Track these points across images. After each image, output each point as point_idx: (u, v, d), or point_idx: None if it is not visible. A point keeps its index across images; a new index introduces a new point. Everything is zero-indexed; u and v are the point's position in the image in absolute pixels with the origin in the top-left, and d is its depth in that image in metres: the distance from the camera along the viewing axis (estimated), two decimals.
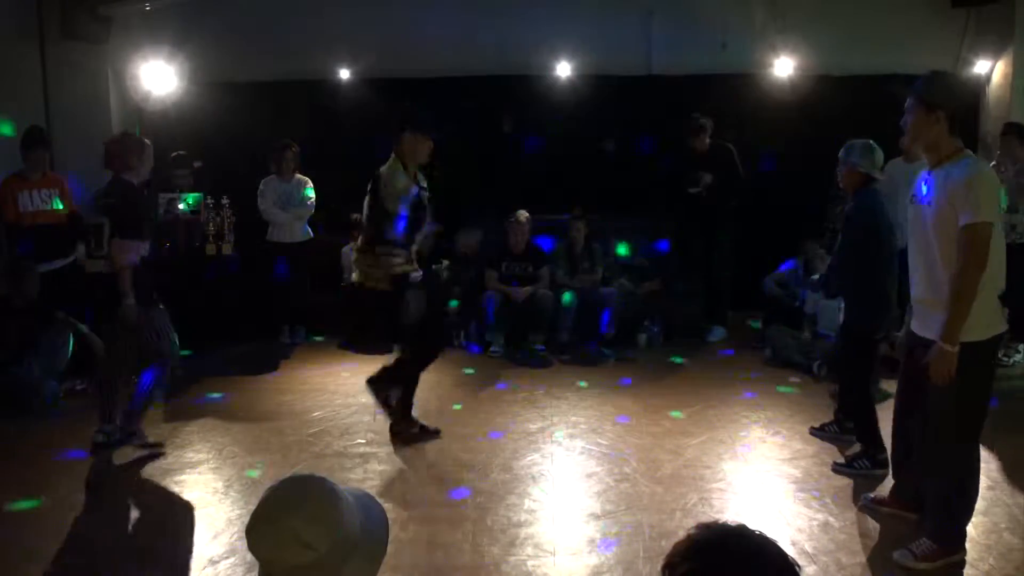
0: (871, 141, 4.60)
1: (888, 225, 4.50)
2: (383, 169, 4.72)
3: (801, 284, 6.76)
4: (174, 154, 7.33)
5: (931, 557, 3.35)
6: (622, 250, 7.48)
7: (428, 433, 4.93)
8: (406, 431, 4.88)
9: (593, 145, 7.98)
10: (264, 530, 1.37)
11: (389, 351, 6.91)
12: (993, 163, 6.16)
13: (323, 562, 1.35)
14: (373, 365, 6.54)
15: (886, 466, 4.21)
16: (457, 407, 5.57)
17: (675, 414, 5.34)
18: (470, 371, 6.45)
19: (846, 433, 4.79)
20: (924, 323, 3.42)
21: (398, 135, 4.76)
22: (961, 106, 3.30)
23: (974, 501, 3.43)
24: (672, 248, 7.61)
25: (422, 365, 4.93)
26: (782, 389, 5.91)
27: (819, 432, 4.92)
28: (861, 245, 4.44)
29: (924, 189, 3.39)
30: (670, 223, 7.61)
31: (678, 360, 6.72)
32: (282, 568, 1.35)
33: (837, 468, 4.43)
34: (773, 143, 7.60)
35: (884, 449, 4.26)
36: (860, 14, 7.61)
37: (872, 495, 3.98)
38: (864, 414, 4.49)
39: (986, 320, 3.25)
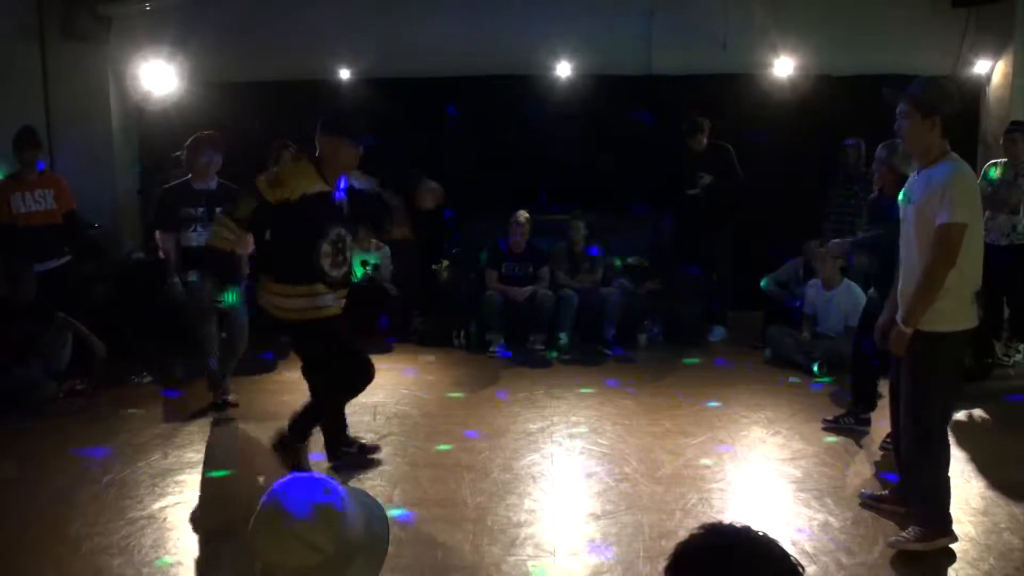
0: None
1: None
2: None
3: (801, 284, 6.76)
4: (175, 154, 7.32)
5: (922, 539, 3.48)
6: (618, 261, 7.49)
7: (368, 450, 4.59)
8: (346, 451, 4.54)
9: (594, 145, 7.97)
10: (268, 533, 1.36)
11: (390, 350, 7.00)
12: (1004, 161, 6.15)
13: (328, 563, 1.34)
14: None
15: (868, 424, 4.90)
16: (457, 407, 5.56)
17: (669, 403, 5.34)
18: (470, 371, 6.45)
19: (861, 424, 4.86)
20: (899, 316, 3.58)
21: (312, 139, 4.11)
22: (955, 111, 3.44)
23: (948, 483, 3.54)
24: (672, 248, 7.61)
25: (337, 400, 4.38)
26: (782, 389, 5.91)
27: (833, 424, 4.98)
28: (892, 236, 4.54)
29: (911, 190, 3.54)
30: (668, 223, 7.62)
31: (688, 362, 6.73)
32: (287, 571, 1.34)
33: (826, 424, 4.98)
34: (773, 143, 7.59)
35: (871, 409, 4.87)
36: (860, 14, 7.61)
37: (870, 492, 4.01)
38: (867, 376, 4.75)
39: (957, 314, 3.42)
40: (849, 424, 4.93)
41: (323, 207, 4.08)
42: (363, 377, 4.36)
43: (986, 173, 6.16)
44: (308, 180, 4.03)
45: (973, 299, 3.45)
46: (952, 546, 3.49)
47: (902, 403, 3.60)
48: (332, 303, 4.16)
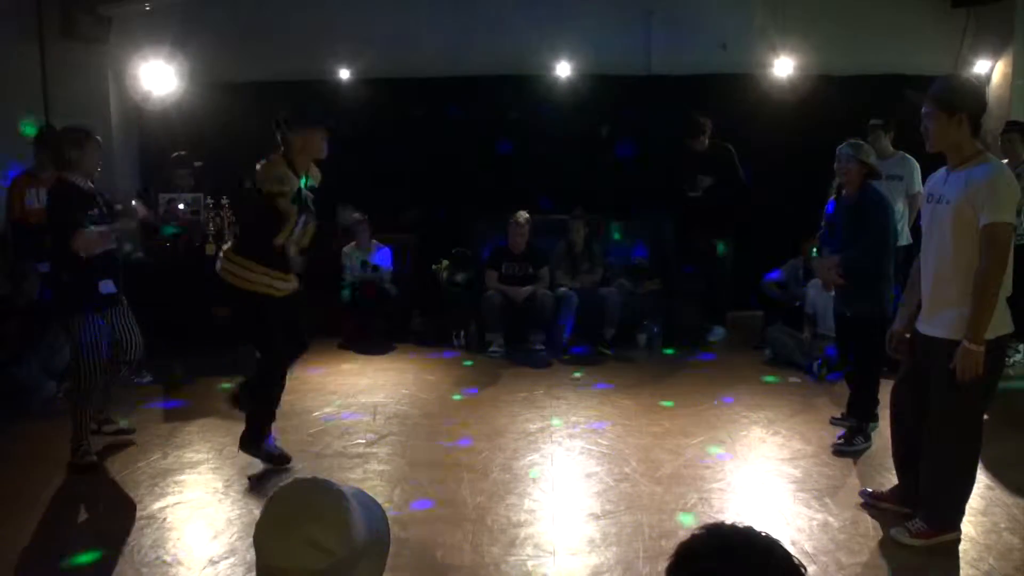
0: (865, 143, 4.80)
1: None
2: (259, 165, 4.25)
3: (801, 284, 6.76)
4: (175, 154, 7.33)
5: (924, 535, 3.51)
6: (616, 235, 7.51)
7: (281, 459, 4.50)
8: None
9: (593, 145, 7.97)
10: (275, 536, 1.35)
11: (392, 349, 7.01)
12: (1004, 161, 6.16)
13: (337, 566, 1.34)
14: (373, 365, 6.62)
15: (869, 438, 4.71)
16: (457, 407, 5.56)
17: (665, 402, 5.33)
18: (470, 371, 6.45)
19: (872, 420, 4.84)
20: (930, 322, 3.51)
21: (286, 137, 4.25)
22: (979, 107, 3.41)
23: (971, 488, 3.56)
24: (672, 248, 7.61)
25: (273, 379, 4.43)
26: (782, 389, 5.91)
27: (842, 422, 4.96)
28: (882, 236, 4.54)
29: (943, 189, 3.45)
30: (670, 223, 7.63)
31: (669, 350, 6.73)
32: (296, 575, 1.33)
33: (838, 450, 4.64)
34: (773, 143, 7.59)
35: (876, 418, 4.71)
36: (860, 14, 7.62)
37: (870, 490, 4.02)
38: (872, 389, 4.69)
39: (996, 320, 3.34)
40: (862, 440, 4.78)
41: (297, 201, 4.30)
42: (291, 352, 4.52)
43: None
44: (289, 179, 4.24)
45: (1006, 304, 3.40)
46: (952, 546, 3.49)
47: (935, 408, 3.49)
48: (285, 286, 4.34)
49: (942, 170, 3.53)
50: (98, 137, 4.71)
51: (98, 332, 4.47)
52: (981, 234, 3.26)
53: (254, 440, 4.42)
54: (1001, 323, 3.38)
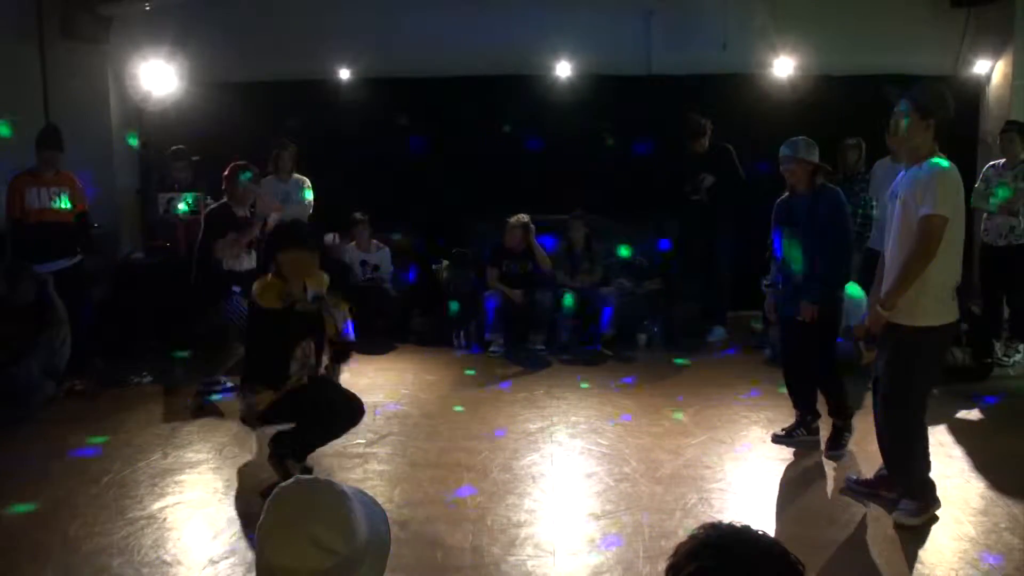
0: (807, 138, 4.67)
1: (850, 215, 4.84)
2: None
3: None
4: (173, 148, 7.32)
5: (920, 511, 3.68)
6: (624, 251, 7.47)
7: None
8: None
9: (593, 145, 7.98)
10: (280, 537, 1.35)
11: (392, 349, 7.01)
12: (1003, 161, 6.18)
13: (341, 566, 1.34)
14: (373, 365, 6.61)
15: (818, 433, 4.74)
16: (457, 407, 5.56)
17: (676, 414, 5.34)
18: (470, 371, 6.45)
19: (813, 435, 4.78)
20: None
21: (275, 257, 4.30)
22: (949, 117, 3.66)
23: (927, 457, 3.77)
24: (672, 248, 7.61)
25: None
26: (782, 389, 5.89)
27: (786, 440, 4.77)
28: (841, 238, 4.51)
29: (897, 186, 3.75)
30: (670, 223, 7.62)
31: (678, 360, 6.73)
32: (301, 575, 1.33)
33: (832, 454, 4.58)
34: (773, 143, 7.57)
35: (819, 415, 4.75)
36: (860, 14, 7.61)
37: (855, 476, 4.12)
38: (839, 386, 4.68)
39: (939, 309, 3.61)
40: (804, 436, 4.75)
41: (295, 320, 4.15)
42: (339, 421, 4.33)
43: (989, 183, 6.19)
44: (278, 295, 4.09)
45: (953, 295, 3.63)
46: (952, 546, 3.53)
47: (882, 391, 3.75)
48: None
49: (902, 170, 3.77)
50: (254, 171, 5.78)
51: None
52: (916, 224, 3.51)
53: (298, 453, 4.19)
54: (943, 311, 3.61)
